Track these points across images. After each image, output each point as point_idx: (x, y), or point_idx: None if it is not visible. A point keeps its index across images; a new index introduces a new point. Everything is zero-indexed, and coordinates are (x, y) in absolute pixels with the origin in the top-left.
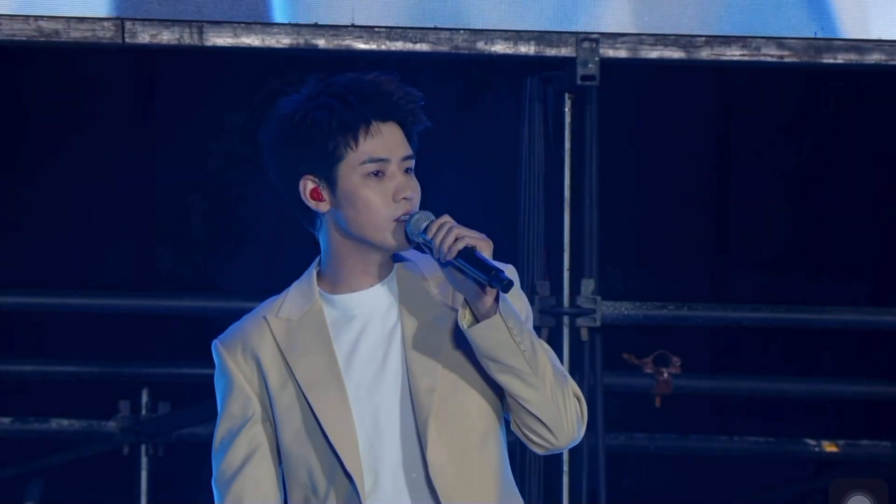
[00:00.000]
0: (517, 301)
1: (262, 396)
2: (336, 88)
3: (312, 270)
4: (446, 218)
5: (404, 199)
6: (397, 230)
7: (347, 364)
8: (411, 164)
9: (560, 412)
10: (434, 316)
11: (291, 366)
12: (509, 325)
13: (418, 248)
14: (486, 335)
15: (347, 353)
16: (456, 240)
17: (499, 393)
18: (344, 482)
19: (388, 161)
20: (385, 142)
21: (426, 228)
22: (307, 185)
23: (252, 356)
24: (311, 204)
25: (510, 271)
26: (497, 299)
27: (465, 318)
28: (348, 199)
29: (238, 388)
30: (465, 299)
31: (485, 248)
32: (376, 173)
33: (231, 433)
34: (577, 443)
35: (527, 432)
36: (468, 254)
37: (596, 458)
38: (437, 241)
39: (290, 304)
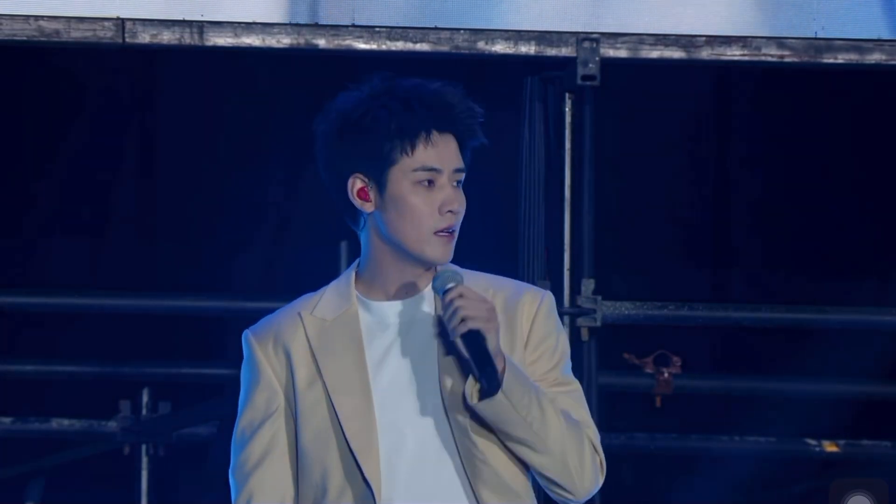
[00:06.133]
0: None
1: (287, 392)
2: (400, 91)
3: (351, 272)
4: (459, 291)
5: (449, 211)
6: (436, 244)
7: (376, 372)
8: (461, 177)
9: (573, 471)
10: None
11: (321, 366)
12: (514, 402)
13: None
14: (489, 412)
15: (377, 361)
16: (462, 320)
17: None
18: (362, 488)
19: (441, 172)
20: (440, 152)
21: (445, 292)
22: (356, 183)
23: (283, 351)
24: (357, 203)
25: (549, 297)
26: (502, 375)
27: (471, 393)
28: (394, 203)
29: (266, 380)
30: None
31: (490, 332)
32: (428, 182)
33: (253, 425)
34: (596, 491)
35: (545, 488)
36: (470, 339)
37: None
38: (445, 317)
39: (325, 304)
